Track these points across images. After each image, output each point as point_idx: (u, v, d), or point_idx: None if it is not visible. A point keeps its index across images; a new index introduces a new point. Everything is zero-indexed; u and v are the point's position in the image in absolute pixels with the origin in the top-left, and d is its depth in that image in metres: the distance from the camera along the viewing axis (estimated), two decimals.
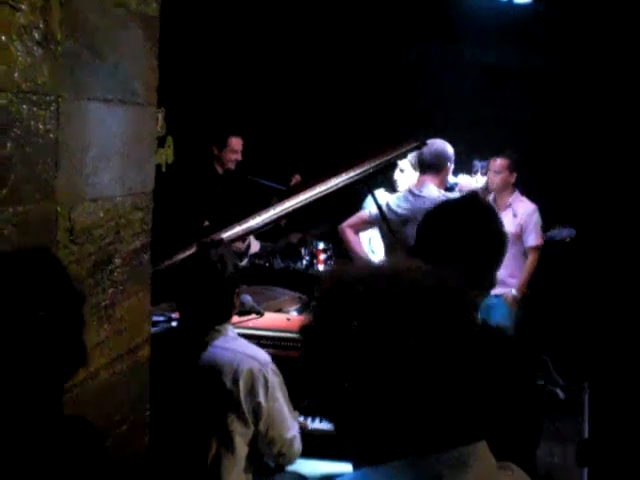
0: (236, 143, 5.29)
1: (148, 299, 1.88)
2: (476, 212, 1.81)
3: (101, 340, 1.67)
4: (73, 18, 1.46)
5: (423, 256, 1.17)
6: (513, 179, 4.73)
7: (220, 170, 5.33)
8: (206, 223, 5.00)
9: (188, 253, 2.72)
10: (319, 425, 2.78)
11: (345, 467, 2.15)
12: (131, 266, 1.76)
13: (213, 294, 2.33)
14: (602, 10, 5.60)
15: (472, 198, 1.88)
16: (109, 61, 1.61)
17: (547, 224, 4.97)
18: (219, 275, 2.33)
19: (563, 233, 5.02)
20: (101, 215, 1.62)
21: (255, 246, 5.24)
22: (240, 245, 4.68)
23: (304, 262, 5.52)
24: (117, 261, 1.70)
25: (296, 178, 5.26)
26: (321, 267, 5.58)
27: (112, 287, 1.70)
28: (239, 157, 5.31)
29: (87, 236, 1.57)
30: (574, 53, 5.77)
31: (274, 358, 2.39)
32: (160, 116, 5.12)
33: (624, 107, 5.69)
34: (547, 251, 4.86)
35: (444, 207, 1.93)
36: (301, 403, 2.76)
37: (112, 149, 1.66)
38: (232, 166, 5.31)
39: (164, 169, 5.30)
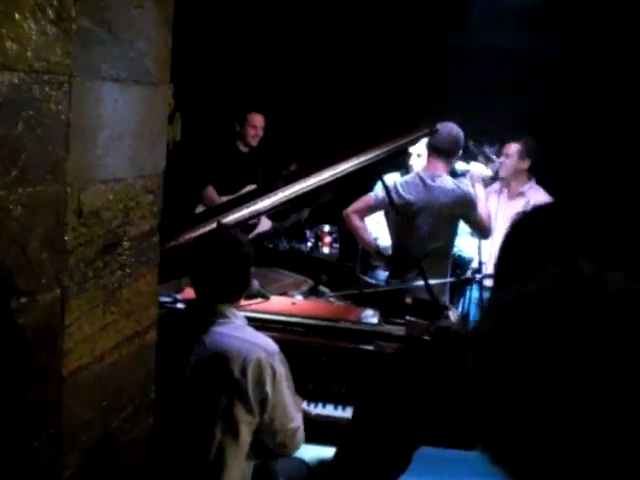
0: (256, 119, 5.25)
1: (156, 282, 1.87)
2: None
3: (108, 323, 1.65)
4: None
5: None
6: (525, 165, 4.55)
7: (243, 148, 5.31)
8: (214, 195, 5.00)
9: (205, 230, 2.74)
10: (322, 411, 2.78)
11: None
12: (139, 249, 1.75)
13: (227, 270, 2.35)
14: None
15: None
16: (123, 40, 1.58)
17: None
18: (237, 252, 2.37)
19: None
20: (111, 197, 1.60)
21: (265, 224, 5.22)
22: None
23: (309, 244, 5.51)
24: (125, 244, 1.68)
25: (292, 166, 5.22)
26: (326, 250, 5.57)
27: (120, 270, 1.68)
28: (260, 133, 5.27)
29: (96, 218, 1.55)
30: (587, 39, 5.71)
31: (279, 342, 2.39)
32: (169, 92, 5.09)
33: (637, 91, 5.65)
34: None
35: None
36: (306, 387, 2.76)
37: (124, 130, 1.63)
38: (254, 142, 5.28)
39: (171, 146, 5.27)
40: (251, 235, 5.05)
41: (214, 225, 2.71)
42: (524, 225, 1.31)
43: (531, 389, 0.82)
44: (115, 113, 1.59)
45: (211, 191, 5.07)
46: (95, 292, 1.58)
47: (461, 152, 3.93)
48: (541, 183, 4.66)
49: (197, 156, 5.07)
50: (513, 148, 4.53)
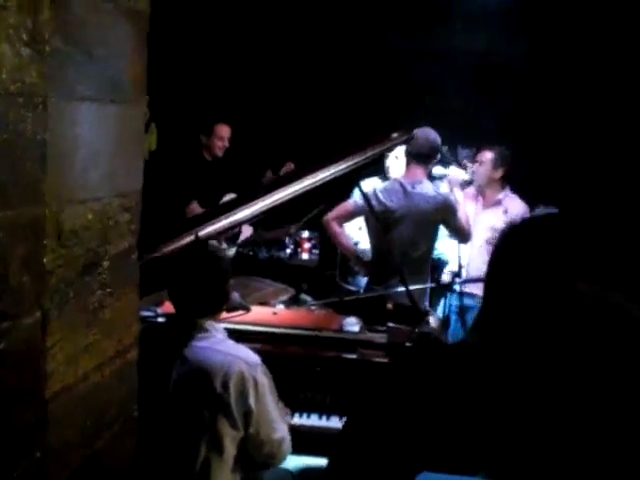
0: (223, 130, 5.24)
1: (136, 300, 1.86)
2: None
3: (89, 343, 1.64)
4: (62, 15, 1.42)
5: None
6: (498, 175, 4.54)
7: (208, 157, 5.29)
8: (197, 210, 4.97)
9: (184, 243, 2.73)
10: (306, 421, 2.78)
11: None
12: (119, 268, 1.74)
13: (207, 284, 2.36)
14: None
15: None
16: (98, 59, 1.58)
17: (532, 207, 4.96)
18: (216, 266, 2.40)
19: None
20: (89, 217, 1.59)
21: (247, 231, 5.22)
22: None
23: (288, 251, 5.52)
24: (105, 263, 1.67)
25: (289, 166, 5.20)
26: (305, 256, 5.57)
27: (100, 289, 1.67)
28: (226, 144, 5.26)
29: (75, 239, 1.54)
30: (561, 42, 5.78)
31: (261, 353, 2.39)
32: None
33: (611, 96, 5.71)
34: None
35: None
36: (289, 398, 2.76)
37: (101, 149, 1.63)
38: (220, 153, 5.26)
39: (147, 157, 5.25)
40: (237, 242, 5.06)
41: (192, 237, 2.71)
42: (515, 238, 1.30)
43: (539, 416, 0.82)
44: (92, 132, 1.58)
45: (195, 207, 5.04)
46: (76, 313, 1.57)
47: (439, 156, 3.96)
48: (516, 189, 4.70)
49: (172, 169, 5.06)
50: (487, 156, 4.53)
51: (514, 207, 4.44)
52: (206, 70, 6.00)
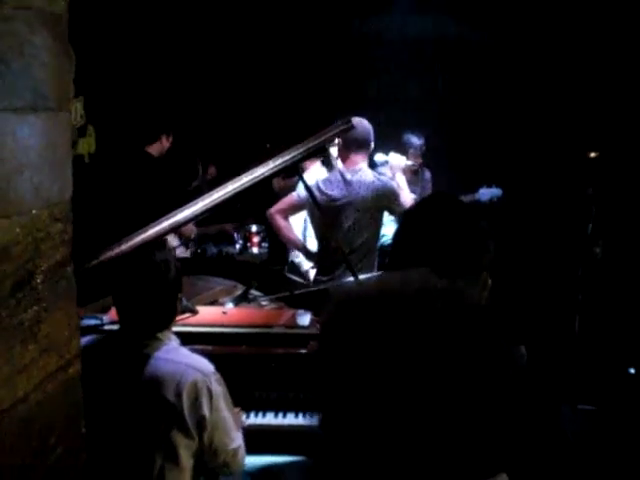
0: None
1: (74, 312, 1.80)
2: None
3: (27, 362, 1.59)
4: None
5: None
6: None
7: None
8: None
9: (126, 252, 2.63)
10: (262, 420, 2.75)
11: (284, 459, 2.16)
12: (54, 281, 1.68)
13: (156, 299, 2.27)
14: None
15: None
16: (15, 67, 1.51)
17: (475, 186, 5.05)
18: (163, 279, 2.28)
19: (490, 194, 5.07)
20: (17, 231, 1.53)
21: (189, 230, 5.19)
22: (185, 232, 4.65)
23: (237, 246, 5.48)
24: (38, 277, 1.62)
25: (211, 170, 5.33)
26: (255, 250, 5.54)
27: (35, 305, 1.61)
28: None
29: (4, 255, 1.48)
30: (503, 25, 5.85)
31: (212, 355, 2.35)
32: (79, 105, 4.96)
33: (545, 74, 5.80)
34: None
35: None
36: (243, 397, 2.72)
37: (25, 160, 1.57)
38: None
39: (87, 159, 5.17)
40: (191, 245, 5.03)
41: (136, 242, 2.61)
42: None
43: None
44: (14, 144, 1.52)
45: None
46: (11, 332, 1.52)
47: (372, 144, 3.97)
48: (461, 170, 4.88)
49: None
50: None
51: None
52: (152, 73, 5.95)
